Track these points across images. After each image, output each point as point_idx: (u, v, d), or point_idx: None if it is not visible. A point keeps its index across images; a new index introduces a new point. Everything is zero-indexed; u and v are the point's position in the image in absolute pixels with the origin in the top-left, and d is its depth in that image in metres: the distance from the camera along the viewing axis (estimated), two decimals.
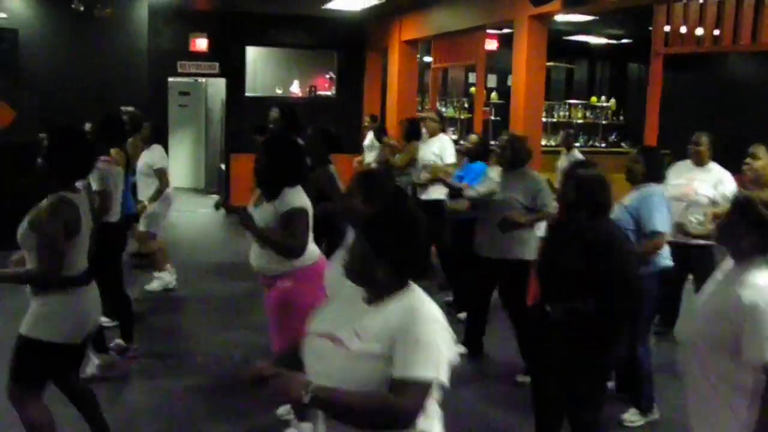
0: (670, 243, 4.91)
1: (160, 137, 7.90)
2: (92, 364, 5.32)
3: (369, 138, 10.67)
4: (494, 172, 5.87)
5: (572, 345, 3.75)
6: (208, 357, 5.89)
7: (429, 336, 2.17)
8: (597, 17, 11.22)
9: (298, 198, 4.19)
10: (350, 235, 3.52)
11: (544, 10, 7.78)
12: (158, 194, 7.39)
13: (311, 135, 6.06)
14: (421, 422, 2.18)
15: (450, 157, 7.90)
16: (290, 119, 7.55)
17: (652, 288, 4.63)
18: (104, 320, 6.10)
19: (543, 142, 10.83)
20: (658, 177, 4.85)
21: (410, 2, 10.99)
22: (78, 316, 3.70)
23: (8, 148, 9.19)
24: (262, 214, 4.21)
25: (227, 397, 5.09)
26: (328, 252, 5.18)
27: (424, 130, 8.39)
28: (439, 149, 7.93)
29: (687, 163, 6.09)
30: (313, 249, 4.35)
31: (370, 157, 10.09)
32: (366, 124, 11.39)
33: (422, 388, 2.13)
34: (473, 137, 7.34)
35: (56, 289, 3.60)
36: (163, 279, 7.74)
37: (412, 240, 2.32)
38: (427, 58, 13.27)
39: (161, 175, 7.42)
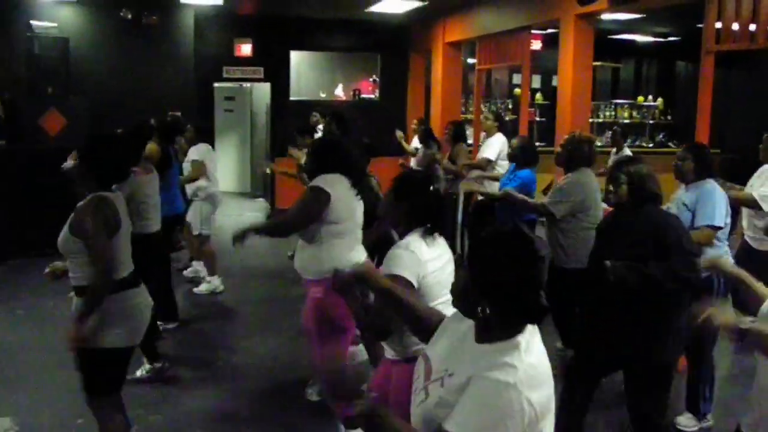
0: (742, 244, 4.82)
1: (204, 137, 8.06)
2: (143, 367, 5.39)
3: (415, 141, 10.68)
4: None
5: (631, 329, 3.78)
6: (253, 363, 5.93)
7: (497, 411, 1.86)
8: (644, 15, 11.04)
9: (324, 181, 4.22)
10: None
11: (591, 9, 7.68)
12: (188, 180, 7.55)
13: None
14: None
15: (487, 152, 7.97)
16: (338, 123, 7.65)
17: (715, 287, 4.56)
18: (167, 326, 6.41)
19: None
20: (710, 173, 4.74)
21: (454, 4, 10.95)
22: (135, 317, 3.72)
23: (59, 153, 9.36)
24: None
25: (271, 403, 5.13)
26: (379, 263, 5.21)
27: (483, 133, 8.45)
28: (492, 147, 8.14)
29: None
30: (347, 258, 4.19)
31: (414, 162, 10.09)
32: (414, 127, 11.39)
33: None
34: (514, 141, 6.83)
35: (110, 294, 3.55)
36: (213, 283, 7.84)
37: (523, 274, 1.93)
38: (471, 60, 13.19)
39: (195, 165, 7.55)
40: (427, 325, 2.38)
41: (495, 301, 1.94)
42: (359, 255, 4.36)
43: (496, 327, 1.96)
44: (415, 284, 2.97)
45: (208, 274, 7.88)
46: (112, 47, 10.94)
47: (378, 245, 5.13)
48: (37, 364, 5.65)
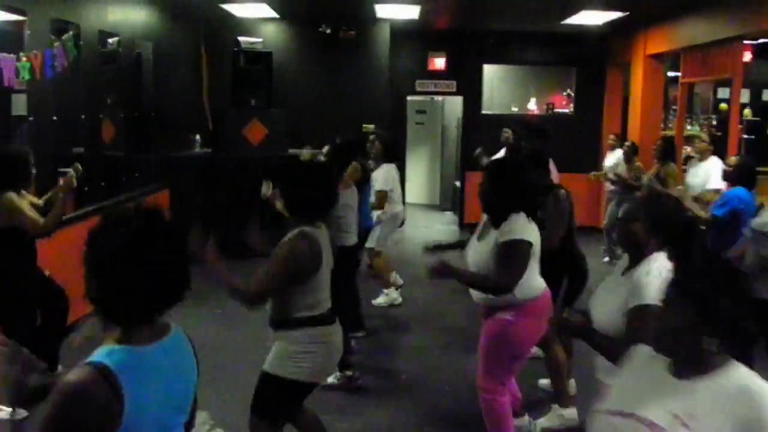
0: None
1: (391, 155, 7.93)
2: (334, 374, 5.49)
3: (615, 157, 10.35)
4: None
5: None
6: (436, 377, 5.91)
7: None
8: None
9: (521, 228, 3.90)
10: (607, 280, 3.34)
11: None
12: (373, 207, 7.51)
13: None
14: None
15: (715, 182, 7.26)
16: (537, 134, 7.43)
17: None
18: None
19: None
20: None
21: (657, 14, 10.41)
22: (325, 356, 3.64)
23: (260, 162, 9.80)
24: (483, 246, 4.01)
25: (450, 420, 5.10)
26: (569, 293, 5.05)
27: (689, 149, 7.80)
28: (705, 173, 7.42)
29: None
30: (536, 282, 4.11)
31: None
32: (611, 142, 10.97)
33: None
34: (732, 159, 6.44)
35: (306, 329, 3.55)
36: (390, 295, 7.92)
37: (744, 302, 1.94)
38: (671, 73, 12.51)
39: (379, 196, 7.53)
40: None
41: (723, 331, 1.92)
42: (538, 279, 4.15)
43: (714, 360, 1.94)
44: None
45: (384, 287, 7.96)
46: (312, 61, 11.35)
47: (565, 268, 5.14)
48: (230, 363, 5.89)
